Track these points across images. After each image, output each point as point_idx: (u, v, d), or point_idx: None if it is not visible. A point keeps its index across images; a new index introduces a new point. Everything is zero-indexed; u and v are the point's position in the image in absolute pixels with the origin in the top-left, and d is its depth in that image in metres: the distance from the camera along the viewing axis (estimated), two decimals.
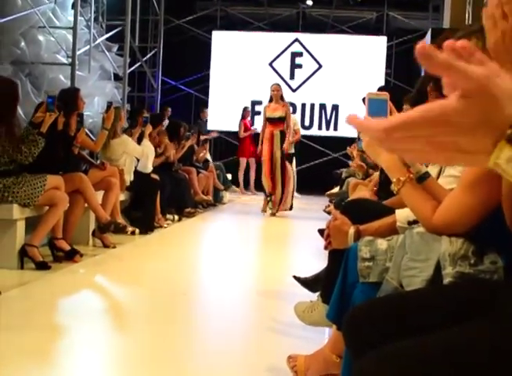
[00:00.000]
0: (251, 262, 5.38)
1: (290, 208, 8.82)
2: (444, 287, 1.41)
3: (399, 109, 2.87)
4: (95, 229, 5.40)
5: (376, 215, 1.99)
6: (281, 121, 8.45)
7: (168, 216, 7.25)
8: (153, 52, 12.97)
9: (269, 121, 8.51)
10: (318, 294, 2.71)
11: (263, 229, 8.18)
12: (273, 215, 8.54)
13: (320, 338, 2.80)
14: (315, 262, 3.91)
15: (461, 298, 1.27)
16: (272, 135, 8.43)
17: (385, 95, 1.73)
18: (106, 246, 5.44)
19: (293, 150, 9.62)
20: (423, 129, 0.69)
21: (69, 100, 5.27)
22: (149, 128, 6.77)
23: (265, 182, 8.51)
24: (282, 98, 8.58)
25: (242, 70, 13.69)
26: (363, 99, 3.87)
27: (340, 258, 2.08)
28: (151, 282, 4.30)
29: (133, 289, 4.09)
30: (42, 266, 4.37)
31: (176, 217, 7.40)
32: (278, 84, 8.82)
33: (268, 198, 8.63)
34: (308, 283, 3.21)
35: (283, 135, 8.46)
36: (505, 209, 1.21)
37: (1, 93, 4.22)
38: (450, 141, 0.69)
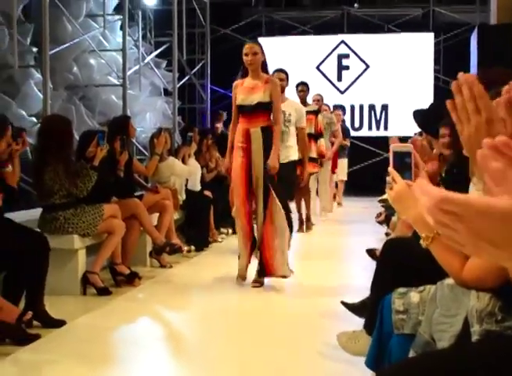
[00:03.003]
0: (302, 280, 5.46)
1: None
2: (470, 348, 1.48)
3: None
4: (152, 250, 5.60)
5: (419, 260, 2.00)
6: (263, 109, 4.79)
7: (222, 230, 7.41)
8: (201, 63, 13.20)
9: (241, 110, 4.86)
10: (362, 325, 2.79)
11: (309, 243, 7.65)
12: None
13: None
14: (363, 283, 3.95)
15: (487, 359, 1.35)
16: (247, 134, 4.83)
17: (409, 147, 1.77)
18: (163, 266, 5.65)
19: (295, 157, 6.19)
20: (478, 219, 0.71)
21: (121, 128, 5.50)
22: (193, 148, 6.92)
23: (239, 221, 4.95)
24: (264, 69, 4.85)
25: (289, 74, 13.73)
26: (414, 114, 3.90)
27: (382, 290, 2.17)
28: (206, 304, 4.44)
29: (190, 313, 4.25)
30: (104, 292, 4.59)
31: (230, 230, 7.55)
32: None
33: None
34: (356, 308, 3.30)
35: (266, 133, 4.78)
36: None
37: (57, 131, 4.45)
38: (491, 235, 0.73)
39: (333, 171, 9.64)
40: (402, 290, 1.77)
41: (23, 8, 7.46)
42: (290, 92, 6.97)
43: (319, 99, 8.76)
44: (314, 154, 7.63)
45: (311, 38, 14.08)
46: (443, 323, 1.59)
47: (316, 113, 7.80)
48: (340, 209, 10.73)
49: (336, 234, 8.12)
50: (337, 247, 7.21)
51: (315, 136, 7.73)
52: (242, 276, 4.93)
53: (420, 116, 3.82)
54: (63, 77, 8.27)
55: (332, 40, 13.89)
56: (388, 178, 1.68)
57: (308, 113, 6.89)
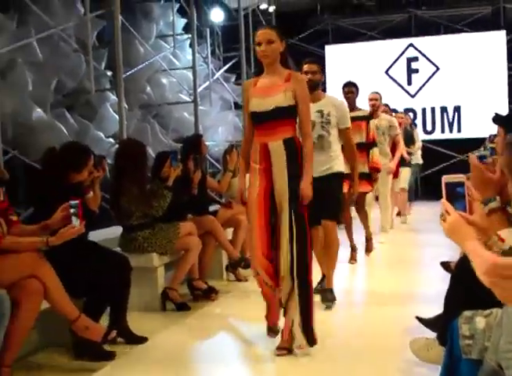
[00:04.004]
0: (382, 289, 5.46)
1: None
2: None
3: None
4: (228, 264, 5.74)
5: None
6: (286, 115, 3.63)
7: None
8: None
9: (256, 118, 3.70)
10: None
11: (381, 254, 7.33)
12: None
13: None
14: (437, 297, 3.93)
15: None
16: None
17: (462, 177, 1.79)
18: (239, 280, 5.79)
19: (341, 168, 4.84)
20: None
21: (193, 147, 5.69)
22: None
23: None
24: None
25: (358, 80, 13.56)
26: (495, 119, 3.66)
27: (454, 306, 2.20)
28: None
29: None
30: (183, 307, 4.77)
31: None
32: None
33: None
34: (431, 323, 3.31)
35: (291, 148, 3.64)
36: None
37: (132, 155, 4.65)
38: None
39: (394, 177, 8.25)
40: (468, 314, 1.80)
41: (97, 34, 7.79)
42: (361, 105, 6.52)
43: (377, 99, 7.47)
44: (365, 169, 6.31)
45: (379, 43, 14.00)
46: (509, 350, 1.60)
47: (367, 118, 6.42)
48: (412, 216, 10.35)
49: (408, 244, 7.99)
50: (409, 258, 6.93)
51: (367, 146, 6.38)
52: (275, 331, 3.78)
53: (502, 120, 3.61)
54: (137, 98, 8.58)
55: (400, 43, 13.78)
56: (441, 210, 1.71)
57: (356, 119, 5.68)
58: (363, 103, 6.91)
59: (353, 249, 6.54)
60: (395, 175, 8.17)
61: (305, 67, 4.72)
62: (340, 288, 5.07)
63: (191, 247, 4.87)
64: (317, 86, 4.72)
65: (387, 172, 7.56)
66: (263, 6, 12.49)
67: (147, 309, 4.71)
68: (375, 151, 6.45)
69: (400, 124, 8.43)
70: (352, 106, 5.99)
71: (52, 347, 3.84)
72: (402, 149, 8.04)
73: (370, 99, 7.41)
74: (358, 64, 13.76)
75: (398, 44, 13.79)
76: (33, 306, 3.14)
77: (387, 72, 13.83)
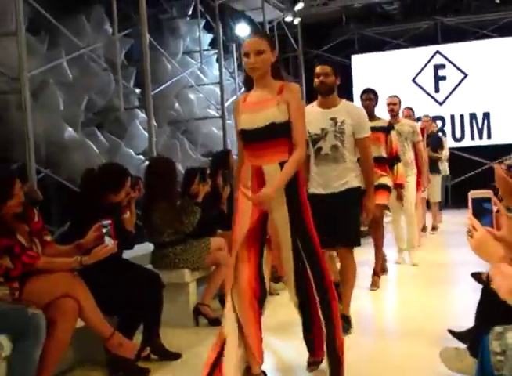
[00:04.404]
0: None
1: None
2: None
3: None
4: None
5: None
6: (281, 132, 3.19)
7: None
8: None
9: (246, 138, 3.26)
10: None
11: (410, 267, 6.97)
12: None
13: None
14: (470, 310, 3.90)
15: None
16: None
17: (489, 193, 1.78)
18: (270, 294, 5.76)
19: (359, 183, 4.26)
20: None
21: (222, 163, 5.75)
22: None
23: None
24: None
25: (385, 89, 13.56)
26: None
27: (487, 315, 2.18)
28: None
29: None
30: (215, 322, 4.78)
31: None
32: None
33: None
34: (463, 336, 3.29)
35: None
36: None
37: (162, 172, 4.72)
38: None
39: (417, 189, 7.28)
40: (498, 329, 1.80)
41: (126, 53, 7.92)
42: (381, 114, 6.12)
43: (395, 103, 6.71)
44: (385, 181, 5.76)
45: (405, 51, 13.95)
46: None
47: (387, 130, 5.84)
48: (442, 227, 10.02)
49: (439, 253, 7.91)
50: (440, 276, 6.46)
51: (389, 162, 5.86)
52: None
53: None
54: (166, 114, 8.68)
55: (426, 51, 13.71)
56: (468, 226, 1.71)
57: (373, 129, 4.93)
58: (383, 112, 6.49)
59: (376, 273, 5.90)
60: (418, 186, 7.30)
61: (317, 69, 4.20)
62: (368, 305, 5.03)
63: (222, 262, 4.89)
64: (331, 90, 4.17)
65: (424, 189, 7.32)
66: (288, 19, 12.55)
67: (180, 324, 4.75)
68: (400, 167, 5.97)
69: (422, 130, 7.83)
70: (371, 115, 5.37)
71: (88, 364, 3.91)
72: (425, 160, 7.38)
73: (388, 104, 6.71)
74: (384, 73, 13.72)
75: (424, 51, 13.72)
76: (68, 325, 3.21)
77: (414, 80, 13.77)
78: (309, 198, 3.22)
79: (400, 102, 6.78)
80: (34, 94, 5.98)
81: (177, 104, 8.88)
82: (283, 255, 3.14)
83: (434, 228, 9.64)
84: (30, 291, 3.23)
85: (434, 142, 9.11)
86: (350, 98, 13.80)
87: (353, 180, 4.16)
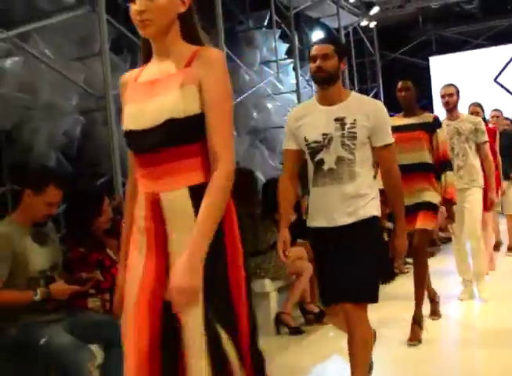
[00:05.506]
0: None
1: None
2: None
3: None
4: None
5: None
6: (187, 135, 1.86)
7: (408, 260, 7.33)
8: (373, 91, 13.30)
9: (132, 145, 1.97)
10: None
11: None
12: None
13: None
14: None
15: None
16: None
17: None
18: None
19: (376, 212, 3.01)
20: None
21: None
22: None
23: None
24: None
25: (465, 90, 13.23)
26: None
27: None
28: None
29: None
30: (296, 331, 4.86)
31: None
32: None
33: None
34: None
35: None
36: None
37: (239, 184, 4.82)
38: None
39: (485, 208, 5.68)
40: None
41: None
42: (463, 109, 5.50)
43: (451, 93, 5.31)
44: (432, 198, 4.43)
45: (486, 51, 13.62)
46: None
47: (431, 127, 4.48)
48: None
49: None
50: None
51: (435, 168, 4.50)
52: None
53: None
54: (245, 123, 8.83)
55: (508, 49, 13.34)
56: None
57: (411, 127, 4.23)
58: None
59: (433, 300, 4.98)
60: (485, 206, 5.64)
61: (313, 50, 3.02)
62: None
63: (302, 272, 4.97)
64: (332, 80, 2.97)
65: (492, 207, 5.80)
66: (364, 23, 12.50)
67: (261, 333, 4.77)
68: (449, 176, 4.46)
69: (494, 130, 6.50)
70: (409, 110, 4.51)
71: None
72: (491, 165, 5.58)
73: (443, 96, 5.33)
74: (464, 74, 13.40)
75: (505, 50, 13.34)
76: None
77: (495, 80, 13.40)
78: (309, 235, 2.54)
79: (458, 91, 5.34)
80: (119, 112, 6.22)
81: (255, 113, 9.02)
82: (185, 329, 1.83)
83: (510, 248, 7.61)
84: None
85: (507, 142, 7.14)
86: (429, 103, 13.54)
87: (368, 207, 2.95)
